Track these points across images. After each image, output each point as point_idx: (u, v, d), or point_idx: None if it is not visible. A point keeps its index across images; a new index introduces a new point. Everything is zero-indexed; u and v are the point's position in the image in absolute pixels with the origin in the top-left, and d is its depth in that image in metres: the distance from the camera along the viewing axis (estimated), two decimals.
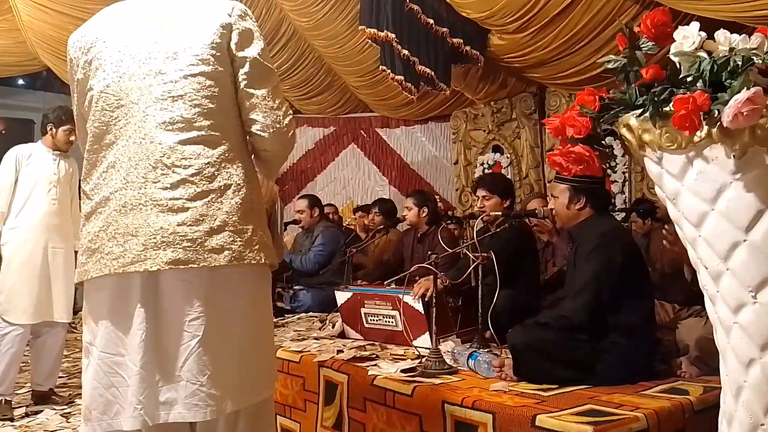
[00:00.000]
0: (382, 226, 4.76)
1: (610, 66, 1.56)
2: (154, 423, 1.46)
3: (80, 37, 1.59)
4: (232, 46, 1.53)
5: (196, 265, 1.44)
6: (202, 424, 1.52)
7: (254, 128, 1.57)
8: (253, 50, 1.55)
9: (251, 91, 1.55)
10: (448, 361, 2.73)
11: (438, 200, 4.93)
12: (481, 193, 3.54)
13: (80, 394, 4.08)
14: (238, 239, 1.48)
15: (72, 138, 3.87)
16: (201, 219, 1.45)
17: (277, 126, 1.57)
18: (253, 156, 1.64)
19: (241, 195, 1.50)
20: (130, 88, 1.49)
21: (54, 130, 3.83)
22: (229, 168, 1.51)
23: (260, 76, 1.56)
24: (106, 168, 1.50)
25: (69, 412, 3.71)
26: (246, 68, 1.54)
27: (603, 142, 1.63)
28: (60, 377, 4.21)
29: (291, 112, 1.65)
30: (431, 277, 2.85)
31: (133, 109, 1.48)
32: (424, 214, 4.13)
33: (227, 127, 1.54)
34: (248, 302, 1.55)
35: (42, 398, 3.84)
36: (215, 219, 1.46)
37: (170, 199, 1.44)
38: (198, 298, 1.47)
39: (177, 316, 1.47)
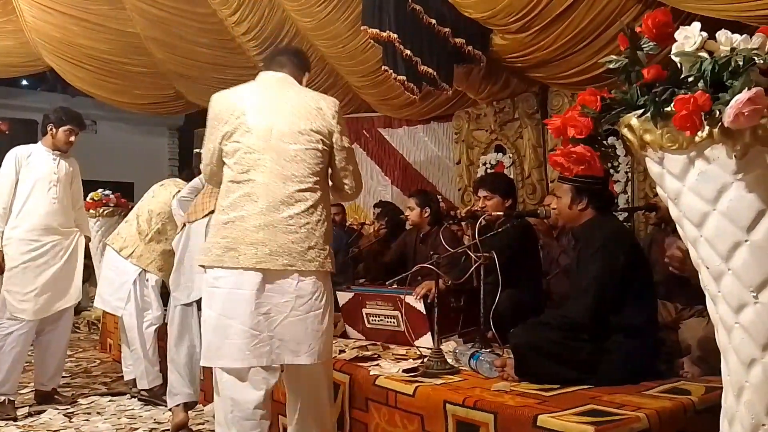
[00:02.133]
0: (384, 232, 4.77)
1: (611, 66, 1.56)
2: (265, 365, 2.23)
3: (229, 101, 2.33)
4: (335, 138, 2.34)
5: (298, 268, 2.23)
6: (300, 366, 2.30)
7: (346, 188, 2.46)
8: (346, 141, 2.39)
9: (346, 165, 2.40)
10: (450, 361, 2.73)
11: (440, 200, 4.92)
12: (482, 193, 3.54)
13: (83, 394, 4.11)
14: (323, 253, 2.28)
15: (72, 138, 3.88)
16: (304, 239, 2.24)
17: (358, 186, 2.49)
18: (331, 186, 2.45)
19: (325, 226, 2.31)
20: (269, 148, 2.25)
21: (54, 130, 3.84)
22: (320, 207, 2.30)
23: (351, 157, 2.42)
24: (243, 195, 2.24)
25: (72, 412, 3.72)
26: (344, 154, 2.38)
27: (605, 142, 1.63)
28: (63, 377, 4.23)
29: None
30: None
31: (270, 163, 2.24)
32: (426, 215, 4.13)
33: (322, 181, 2.34)
34: (322, 294, 2.30)
35: (45, 398, 3.85)
36: (312, 240, 2.25)
37: (288, 225, 2.22)
38: (293, 288, 2.24)
39: (278, 298, 2.23)
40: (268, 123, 2.27)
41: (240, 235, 2.22)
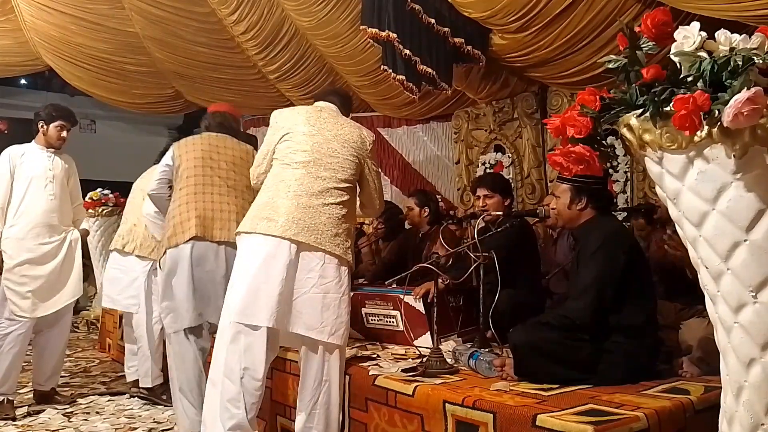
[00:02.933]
0: (383, 231, 4.78)
1: (610, 66, 1.56)
2: (282, 329, 2.56)
3: (288, 114, 2.86)
4: (367, 161, 2.82)
5: (325, 248, 2.57)
6: (310, 340, 2.59)
7: (372, 203, 2.94)
8: (377, 167, 2.90)
9: (376, 186, 2.89)
10: (449, 360, 2.73)
11: (440, 200, 4.92)
12: (482, 192, 3.53)
13: (81, 393, 4.10)
14: (346, 244, 2.65)
15: (63, 134, 3.85)
16: (333, 225, 2.61)
17: (382, 204, 3.03)
18: (359, 204, 2.93)
19: (349, 224, 2.70)
20: (315, 151, 2.69)
21: (45, 127, 3.82)
22: (347, 207, 2.69)
23: (379, 180, 2.92)
24: (287, 180, 2.64)
25: (71, 412, 3.72)
26: (374, 177, 2.86)
27: (604, 141, 1.63)
28: (62, 377, 4.23)
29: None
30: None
31: (315, 162, 2.67)
32: (425, 214, 4.13)
33: (352, 188, 2.76)
34: (343, 282, 2.62)
35: (44, 398, 3.85)
36: (339, 228, 2.62)
37: (321, 210, 2.61)
38: (319, 267, 2.57)
39: (303, 273, 2.56)
40: (318, 132, 2.73)
41: (278, 211, 2.57)
